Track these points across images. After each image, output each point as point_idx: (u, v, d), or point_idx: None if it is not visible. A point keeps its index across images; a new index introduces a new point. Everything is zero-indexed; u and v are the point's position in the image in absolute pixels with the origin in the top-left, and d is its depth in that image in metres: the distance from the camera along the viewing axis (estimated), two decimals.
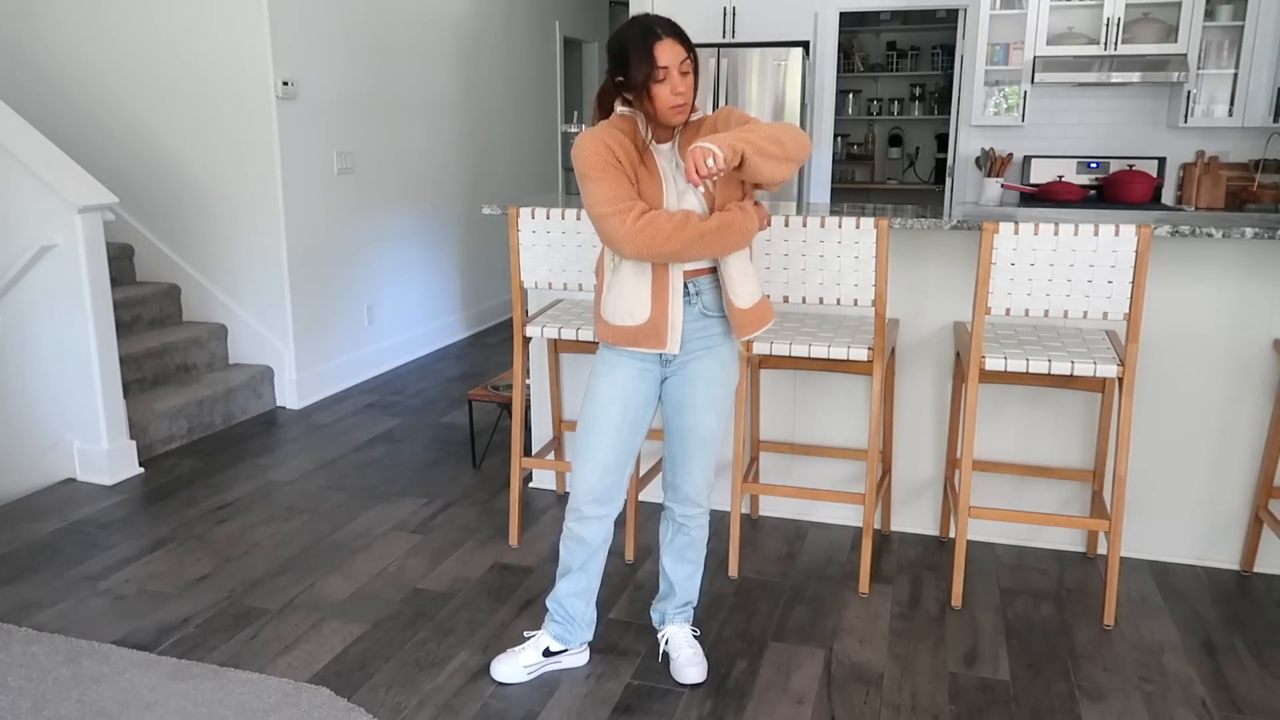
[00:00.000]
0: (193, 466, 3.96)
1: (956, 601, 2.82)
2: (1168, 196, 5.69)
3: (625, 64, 2.11)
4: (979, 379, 2.70)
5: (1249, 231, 2.66)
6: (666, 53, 2.08)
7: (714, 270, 2.27)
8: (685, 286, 2.24)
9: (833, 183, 6.38)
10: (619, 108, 2.20)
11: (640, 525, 3.31)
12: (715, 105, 5.72)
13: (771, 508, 3.47)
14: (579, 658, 2.53)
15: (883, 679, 2.47)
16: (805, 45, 5.67)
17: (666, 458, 2.43)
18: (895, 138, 7.81)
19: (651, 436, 3.42)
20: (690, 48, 2.13)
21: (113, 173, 4.76)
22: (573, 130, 6.38)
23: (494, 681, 2.45)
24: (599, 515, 2.37)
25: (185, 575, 3.02)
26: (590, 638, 2.54)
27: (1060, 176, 5.74)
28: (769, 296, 2.54)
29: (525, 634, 2.59)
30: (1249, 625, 2.75)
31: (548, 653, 2.48)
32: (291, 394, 4.79)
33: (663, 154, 2.21)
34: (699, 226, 2.10)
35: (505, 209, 3.15)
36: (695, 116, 2.21)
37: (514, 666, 2.46)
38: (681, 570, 2.50)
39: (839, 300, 2.74)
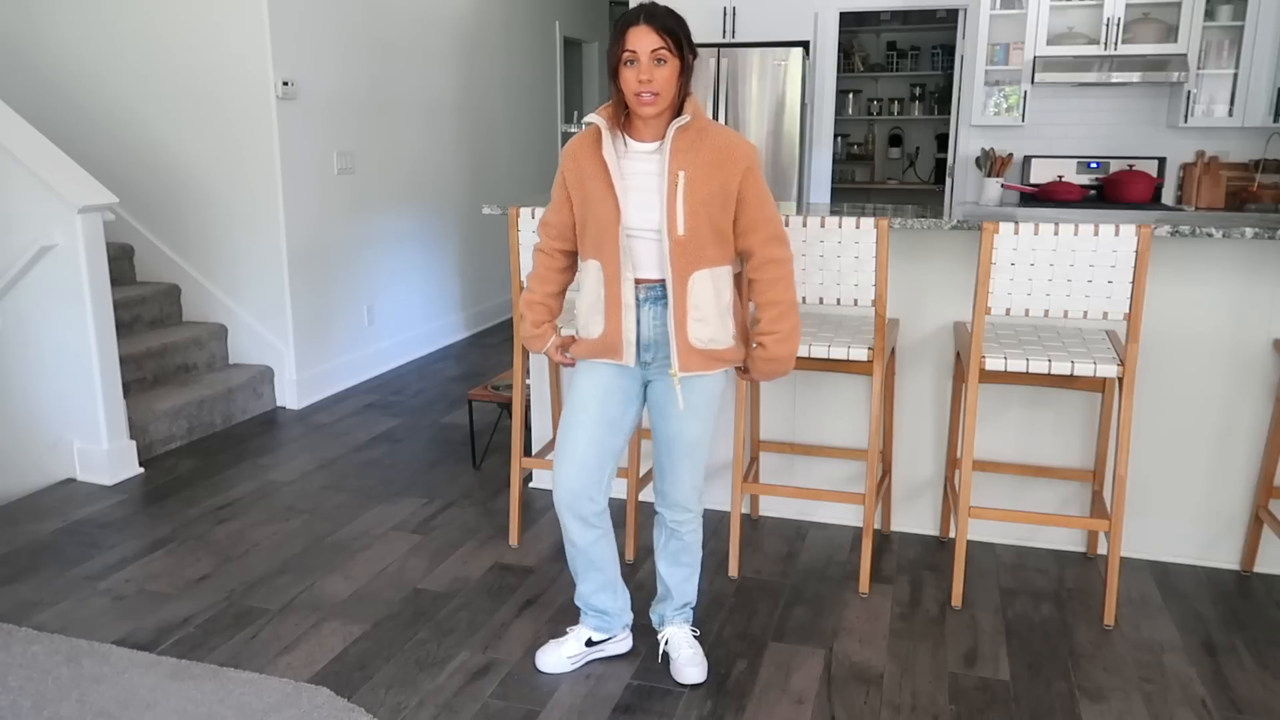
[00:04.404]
0: (193, 466, 3.96)
1: (956, 601, 2.82)
2: (1168, 196, 5.69)
3: (610, 44, 2.11)
4: (979, 379, 2.70)
5: (1249, 231, 2.66)
6: (637, 38, 2.05)
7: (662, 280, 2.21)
8: (657, 290, 2.20)
9: (833, 183, 6.38)
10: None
11: (640, 525, 3.31)
12: (716, 106, 5.72)
13: (771, 508, 3.47)
14: (622, 644, 2.54)
15: (883, 679, 2.47)
16: (805, 45, 5.67)
17: (655, 463, 2.42)
18: (895, 138, 7.81)
19: (648, 436, 3.42)
20: (671, 39, 2.06)
21: (113, 173, 4.76)
22: (573, 130, 6.38)
23: (538, 671, 2.48)
24: (580, 515, 2.34)
25: (185, 575, 3.02)
26: (629, 620, 2.54)
27: (1060, 176, 5.75)
28: (747, 349, 2.31)
29: (567, 629, 2.59)
30: (1249, 625, 2.75)
31: (590, 643, 2.50)
32: (291, 394, 4.79)
33: (638, 156, 2.16)
34: (525, 297, 2.40)
35: (505, 209, 3.16)
36: (683, 120, 2.12)
37: (558, 657, 2.48)
38: (677, 574, 2.49)
39: (839, 300, 2.74)
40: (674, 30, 2.07)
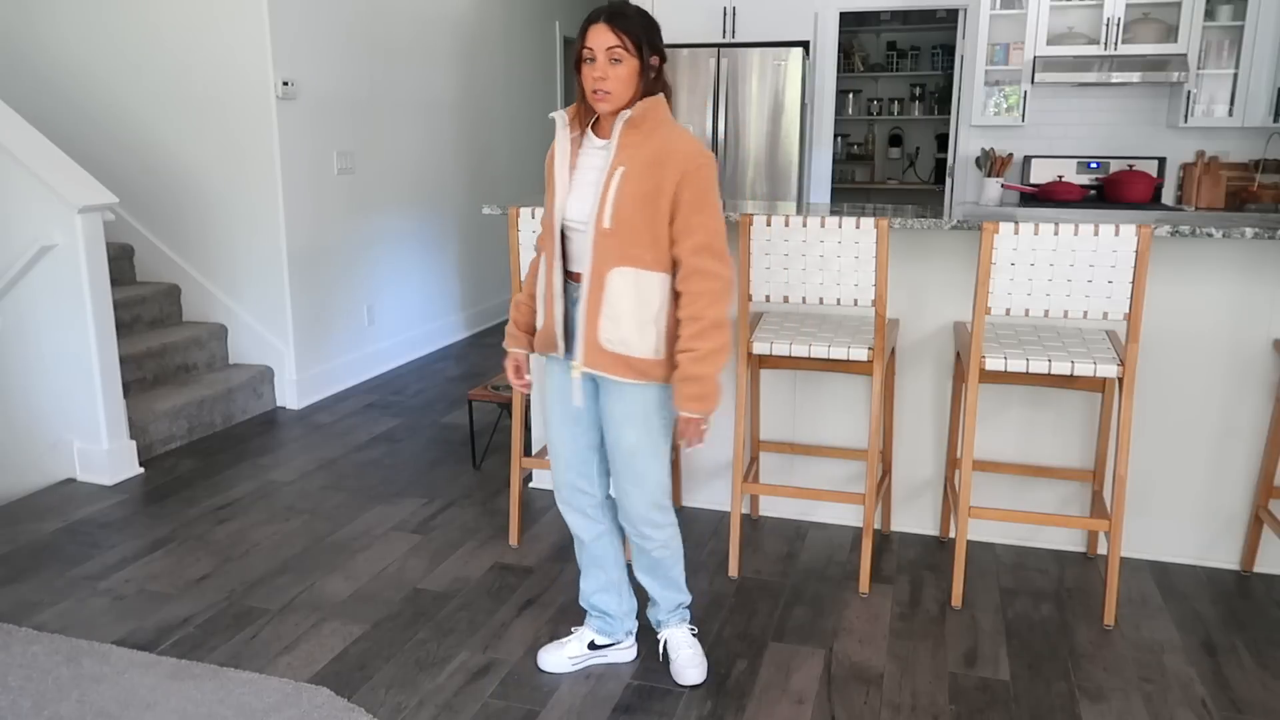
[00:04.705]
0: (193, 466, 3.96)
1: (956, 601, 2.82)
2: (1168, 196, 5.69)
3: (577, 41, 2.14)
4: (979, 379, 2.70)
5: (1249, 231, 2.66)
6: (595, 36, 2.07)
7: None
8: (581, 289, 2.20)
9: (833, 183, 6.38)
10: None
11: None
12: (716, 106, 5.72)
13: (771, 508, 3.47)
14: (626, 653, 2.52)
15: (883, 679, 2.47)
16: (805, 45, 5.67)
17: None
18: (895, 138, 7.81)
19: None
20: (629, 38, 2.06)
21: (113, 173, 4.76)
22: None
23: (539, 670, 2.48)
24: (577, 508, 2.38)
25: (185, 575, 3.02)
26: (633, 627, 2.53)
27: (1060, 176, 5.75)
28: (671, 366, 2.18)
29: (572, 628, 2.59)
30: (1249, 625, 2.75)
31: (593, 645, 2.49)
32: (292, 394, 4.79)
33: (595, 150, 2.18)
34: (515, 297, 2.43)
35: (505, 209, 3.16)
36: (631, 113, 2.10)
37: (559, 657, 2.48)
38: (656, 584, 2.45)
39: (839, 300, 2.74)
40: (632, 30, 2.07)
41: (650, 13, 2.15)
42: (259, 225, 4.66)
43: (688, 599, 2.52)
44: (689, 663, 2.44)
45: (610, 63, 2.07)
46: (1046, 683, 2.46)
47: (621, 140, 2.12)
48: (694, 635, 2.53)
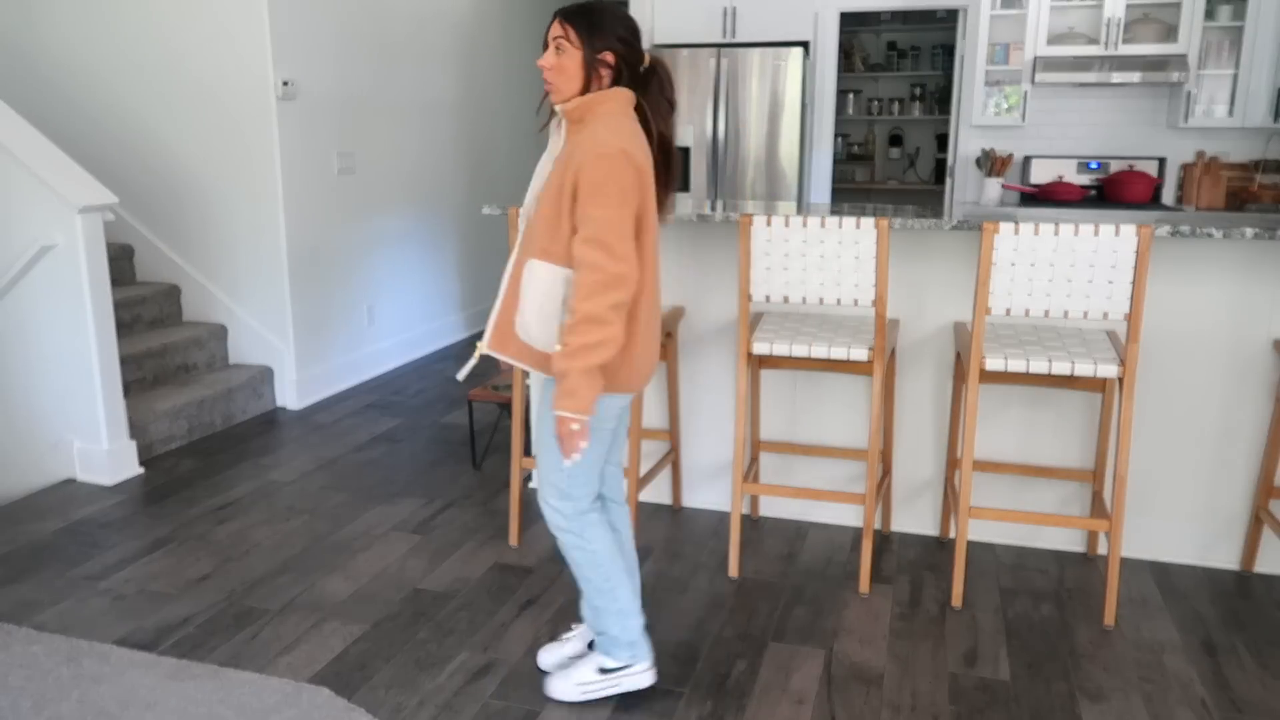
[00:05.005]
0: (193, 466, 3.96)
1: (956, 601, 2.82)
2: (1168, 197, 5.69)
3: None
4: (979, 379, 2.70)
5: (1249, 231, 2.66)
6: (551, 29, 2.10)
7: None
8: (504, 277, 2.24)
9: (833, 183, 6.39)
10: None
11: (640, 525, 3.31)
12: (716, 106, 5.72)
13: (771, 508, 3.47)
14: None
15: (883, 679, 2.47)
16: (805, 45, 5.67)
17: None
18: (895, 138, 7.81)
19: (648, 436, 3.43)
20: (572, 28, 2.05)
21: (113, 173, 4.76)
22: None
23: (539, 670, 2.49)
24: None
25: (185, 575, 3.02)
26: None
27: (1060, 176, 5.75)
28: (562, 358, 2.01)
29: (572, 625, 2.61)
30: (1249, 625, 2.75)
31: (593, 645, 2.49)
32: (291, 394, 4.79)
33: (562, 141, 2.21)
34: None
35: (505, 209, 3.16)
36: (565, 107, 2.10)
37: (560, 657, 2.49)
38: (587, 600, 2.34)
39: (839, 300, 2.74)
40: (578, 23, 2.05)
41: (630, 14, 2.13)
42: (259, 225, 4.66)
43: (611, 635, 2.33)
44: (562, 676, 2.36)
45: (555, 52, 2.08)
46: (1046, 683, 2.46)
47: (568, 133, 2.15)
48: (604, 674, 2.35)
